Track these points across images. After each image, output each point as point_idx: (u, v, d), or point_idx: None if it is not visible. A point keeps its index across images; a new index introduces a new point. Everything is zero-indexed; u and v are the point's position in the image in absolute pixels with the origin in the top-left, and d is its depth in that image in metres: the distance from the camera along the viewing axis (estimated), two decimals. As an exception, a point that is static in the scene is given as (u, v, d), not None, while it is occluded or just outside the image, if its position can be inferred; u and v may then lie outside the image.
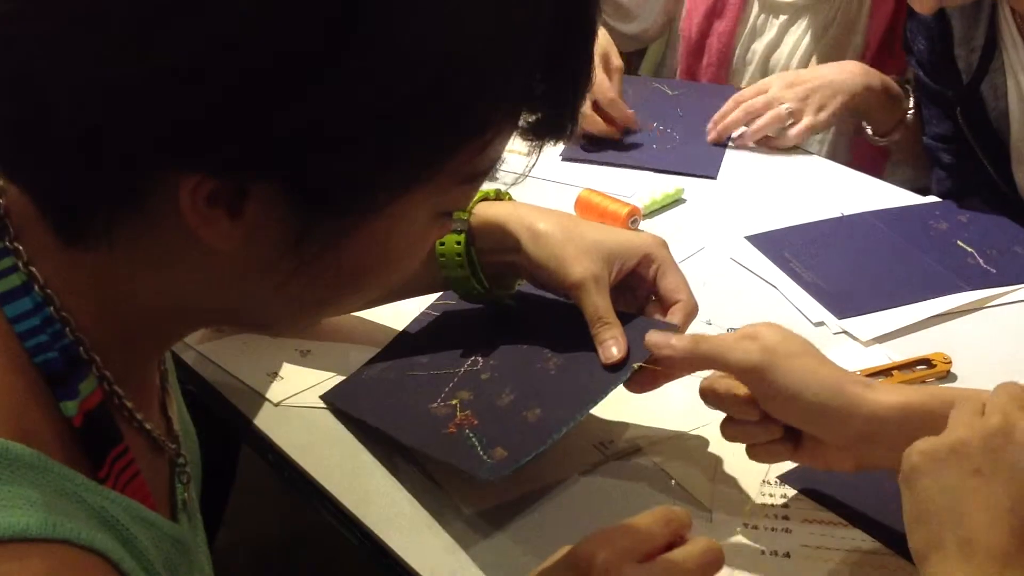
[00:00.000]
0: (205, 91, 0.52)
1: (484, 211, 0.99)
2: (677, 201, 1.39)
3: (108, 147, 0.54)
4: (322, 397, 0.99)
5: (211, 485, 1.56)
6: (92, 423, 0.59)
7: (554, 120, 0.62)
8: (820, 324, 1.16)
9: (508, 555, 0.84)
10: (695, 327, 1.12)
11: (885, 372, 1.05)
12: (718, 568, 0.72)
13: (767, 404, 0.84)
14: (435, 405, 0.93)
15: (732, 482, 0.92)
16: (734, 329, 1.12)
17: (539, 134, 0.63)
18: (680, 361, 0.88)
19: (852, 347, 1.12)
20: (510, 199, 1.03)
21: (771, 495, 0.91)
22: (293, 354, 1.04)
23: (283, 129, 0.53)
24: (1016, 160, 1.34)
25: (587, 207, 1.31)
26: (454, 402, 0.93)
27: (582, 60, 0.61)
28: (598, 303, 0.93)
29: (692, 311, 0.97)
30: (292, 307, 0.64)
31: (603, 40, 1.54)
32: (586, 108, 1.56)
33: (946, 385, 1.05)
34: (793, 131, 1.51)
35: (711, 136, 1.54)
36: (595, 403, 0.90)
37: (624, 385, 0.90)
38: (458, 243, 0.97)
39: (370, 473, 0.92)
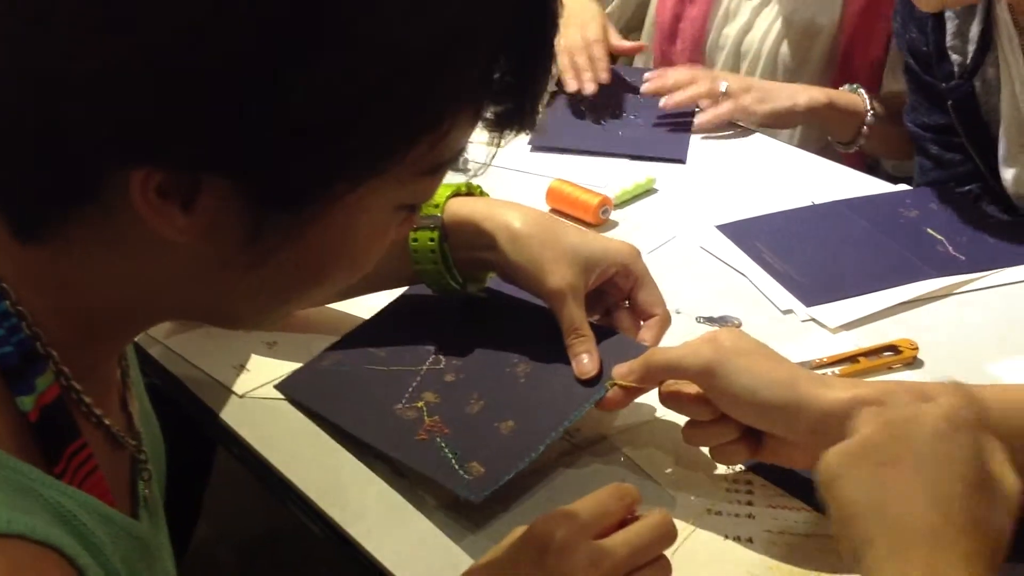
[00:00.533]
0: (150, 88, 0.52)
1: (458, 207, 0.99)
2: (649, 191, 1.39)
3: (57, 144, 0.54)
4: (278, 387, 0.98)
5: (187, 480, 1.56)
6: (48, 418, 0.59)
7: (515, 110, 0.62)
8: (788, 312, 1.16)
9: (475, 546, 0.84)
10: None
11: (851, 359, 1.06)
12: (672, 540, 0.74)
13: (722, 403, 0.85)
14: (400, 406, 0.93)
15: (697, 468, 0.92)
16: (703, 318, 1.14)
17: (501, 125, 0.62)
18: (642, 379, 0.90)
19: (820, 334, 1.12)
20: (482, 193, 1.03)
21: (735, 481, 0.91)
22: (259, 346, 1.04)
23: (230, 124, 0.53)
24: (1004, 154, 1.34)
25: (558, 197, 1.31)
26: (420, 404, 0.93)
27: (542, 51, 0.61)
28: (574, 314, 0.94)
29: (667, 324, 0.99)
30: (255, 301, 0.64)
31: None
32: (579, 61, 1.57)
33: (912, 372, 1.06)
34: (723, 107, 1.52)
35: (665, 102, 1.54)
36: (570, 422, 0.90)
37: (595, 404, 0.92)
38: (431, 239, 0.97)
39: (336, 465, 0.92)
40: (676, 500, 0.89)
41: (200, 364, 1.03)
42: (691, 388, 0.88)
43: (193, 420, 1.01)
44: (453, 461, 0.87)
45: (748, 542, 0.85)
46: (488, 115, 0.62)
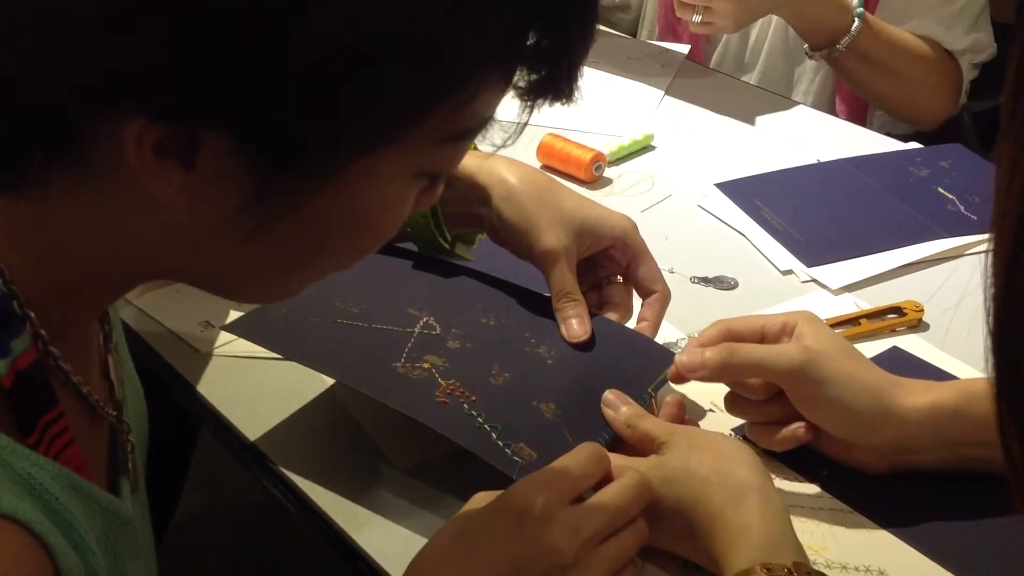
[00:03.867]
0: (137, 34, 0.48)
1: None
2: (646, 148, 1.33)
3: (30, 89, 0.50)
4: (227, 328, 0.88)
5: (171, 446, 1.52)
6: (24, 384, 0.55)
7: (551, 78, 0.56)
8: (788, 272, 1.10)
9: (439, 509, 0.80)
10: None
11: (853, 321, 1.00)
12: (647, 501, 0.71)
13: (804, 408, 0.81)
14: (400, 364, 0.83)
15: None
16: (697, 278, 1.09)
17: (534, 93, 0.57)
18: (716, 375, 0.82)
19: (821, 296, 1.07)
20: (474, 147, 0.97)
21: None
22: (225, 303, 0.98)
23: (229, 75, 0.48)
24: None
25: (549, 152, 1.26)
26: (426, 365, 0.83)
27: (582, 12, 0.56)
28: (565, 277, 0.88)
29: (667, 301, 0.93)
30: (257, 271, 0.59)
31: None
32: None
33: (917, 335, 1.00)
34: None
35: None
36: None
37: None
38: None
39: (301, 426, 0.87)
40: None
41: (165, 320, 0.98)
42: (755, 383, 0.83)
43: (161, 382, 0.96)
44: (495, 436, 0.78)
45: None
46: (521, 83, 0.56)
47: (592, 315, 0.89)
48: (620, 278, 0.94)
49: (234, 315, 0.97)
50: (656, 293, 0.93)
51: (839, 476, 0.82)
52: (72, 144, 0.52)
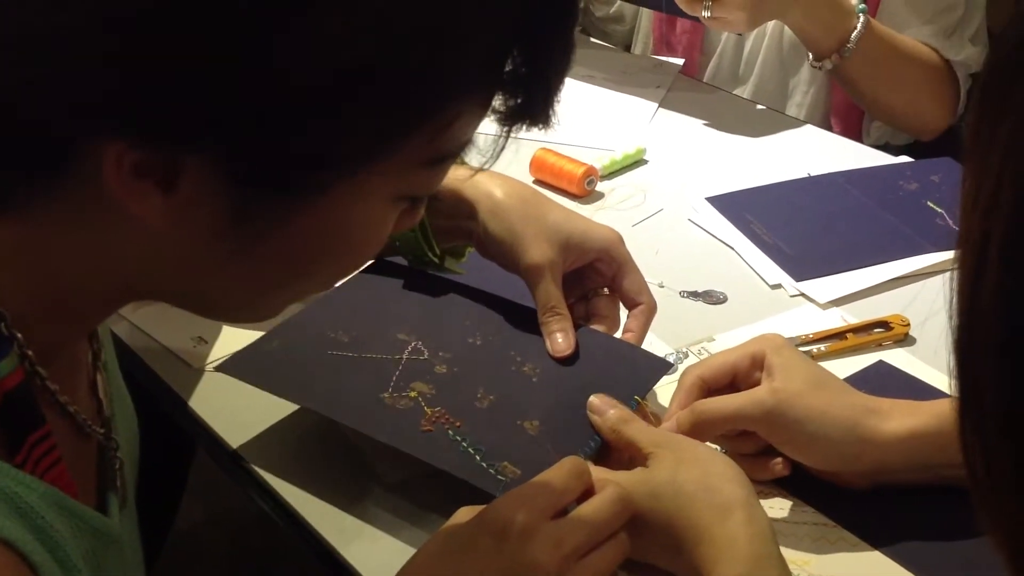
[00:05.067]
0: (116, 58, 0.48)
1: None
2: (638, 162, 1.34)
3: (11, 112, 0.51)
4: (220, 368, 0.89)
5: (168, 463, 1.53)
6: (11, 405, 0.55)
7: (527, 104, 0.57)
8: (777, 287, 1.11)
9: (426, 523, 0.80)
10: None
11: (839, 335, 1.01)
12: (629, 513, 0.71)
13: (784, 448, 0.82)
14: (388, 395, 0.84)
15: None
16: (687, 292, 1.09)
17: (511, 118, 0.58)
18: (693, 433, 0.82)
19: (810, 310, 1.07)
20: (461, 161, 0.98)
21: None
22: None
23: (208, 100, 0.49)
24: None
25: (542, 167, 1.27)
26: (412, 394, 0.85)
27: (559, 40, 0.57)
28: (551, 291, 0.89)
29: (653, 313, 0.94)
30: (241, 291, 0.60)
31: None
32: None
33: (903, 349, 1.01)
34: None
35: None
36: (599, 443, 0.82)
37: None
38: None
39: (292, 441, 0.88)
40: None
41: (158, 336, 0.99)
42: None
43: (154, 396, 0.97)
44: (478, 458, 0.79)
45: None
46: (500, 107, 0.57)
47: (578, 327, 0.90)
48: (607, 290, 0.95)
49: (227, 331, 0.99)
50: (641, 305, 0.93)
51: (822, 491, 0.83)
52: (55, 166, 0.52)
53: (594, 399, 0.83)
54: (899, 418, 0.80)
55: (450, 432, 0.81)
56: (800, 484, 0.84)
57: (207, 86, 0.49)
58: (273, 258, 0.57)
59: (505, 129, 0.59)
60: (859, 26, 1.41)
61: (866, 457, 0.80)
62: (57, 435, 0.58)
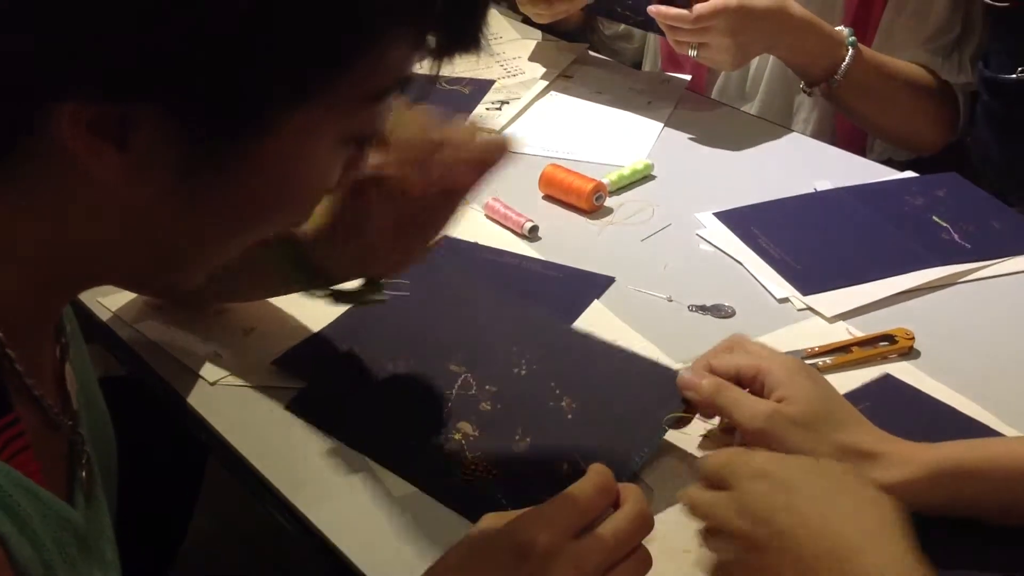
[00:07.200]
0: (60, 20, 0.51)
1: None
2: (647, 177, 1.35)
3: None
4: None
5: (183, 472, 1.54)
6: None
7: (457, 34, 0.60)
8: (784, 301, 1.12)
9: (442, 536, 0.82)
10: (654, 303, 1.10)
11: (844, 348, 1.02)
12: (649, 529, 0.71)
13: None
14: (435, 436, 0.89)
15: (673, 456, 0.90)
16: (695, 306, 1.11)
17: (442, 51, 0.61)
18: (700, 403, 0.88)
19: (816, 323, 1.09)
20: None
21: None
22: (235, 332, 1.02)
23: (151, 48, 0.51)
24: None
25: (551, 182, 1.28)
26: (457, 436, 0.89)
27: None
28: None
29: None
30: (197, 244, 0.62)
31: None
32: None
33: (908, 362, 1.02)
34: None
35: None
36: (632, 470, 0.86)
37: None
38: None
39: (306, 456, 0.90)
40: (654, 492, 0.86)
41: (173, 351, 1.00)
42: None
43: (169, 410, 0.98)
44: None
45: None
46: (433, 43, 0.60)
47: (601, 344, 0.94)
48: None
49: (232, 346, 1.00)
50: None
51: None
52: (14, 137, 0.54)
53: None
54: (892, 468, 0.81)
55: (489, 486, 0.85)
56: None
57: (145, 38, 0.51)
58: (226, 204, 0.59)
59: (437, 63, 0.61)
60: (848, 58, 1.43)
61: None
62: (27, 424, 0.60)
